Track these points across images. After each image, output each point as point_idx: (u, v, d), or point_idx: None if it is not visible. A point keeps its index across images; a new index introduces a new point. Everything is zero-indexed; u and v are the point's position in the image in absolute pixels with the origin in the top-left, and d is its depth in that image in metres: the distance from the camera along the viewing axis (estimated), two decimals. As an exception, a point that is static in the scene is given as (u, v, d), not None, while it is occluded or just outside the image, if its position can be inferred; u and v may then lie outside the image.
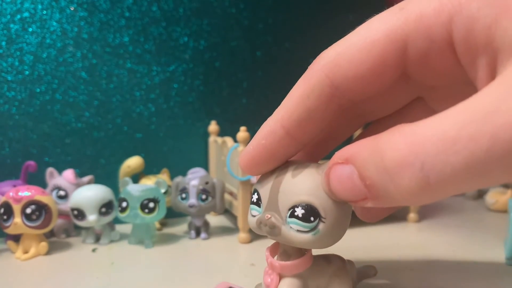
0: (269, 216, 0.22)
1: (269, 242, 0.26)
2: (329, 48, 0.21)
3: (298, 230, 0.21)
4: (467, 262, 0.35)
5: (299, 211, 0.21)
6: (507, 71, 0.16)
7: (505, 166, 0.15)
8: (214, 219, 0.51)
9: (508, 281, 0.30)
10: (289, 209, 0.22)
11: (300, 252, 0.24)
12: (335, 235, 0.22)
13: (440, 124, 0.15)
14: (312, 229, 0.21)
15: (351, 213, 0.23)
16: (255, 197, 0.24)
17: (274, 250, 0.25)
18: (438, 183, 0.15)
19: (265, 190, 0.23)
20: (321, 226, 0.21)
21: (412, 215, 0.49)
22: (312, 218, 0.21)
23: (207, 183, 0.43)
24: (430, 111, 0.23)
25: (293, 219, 0.21)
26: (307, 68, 0.22)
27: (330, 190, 0.20)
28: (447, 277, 0.32)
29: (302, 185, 0.22)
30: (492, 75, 0.17)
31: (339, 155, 0.19)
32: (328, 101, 0.21)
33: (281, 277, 0.24)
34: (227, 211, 0.50)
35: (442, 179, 0.15)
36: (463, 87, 0.20)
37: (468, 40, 0.17)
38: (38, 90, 0.49)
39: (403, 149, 0.16)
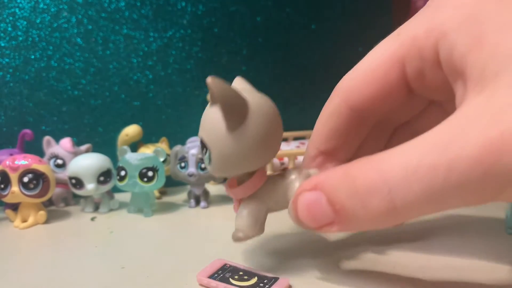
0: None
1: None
2: (346, 75, 0.25)
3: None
4: (467, 228, 0.35)
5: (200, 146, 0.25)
6: (466, 103, 0.18)
7: (460, 195, 0.16)
8: (213, 188, 0.51)
9: (508, 249, 0.30)
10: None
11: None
12: (230, 162, 0.23)
13: (404, 154, 0.18)
14: (208, 160, 0.24)
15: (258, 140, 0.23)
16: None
17: (232, 183, 0.26)
18: (403, 207, 0.17)
19: None
20: (212, 155, 0.23)
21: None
22: (204, 150, 0.24)
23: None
24: (447, 113, 0.25)
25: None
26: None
27: (297, 217, 0.22)
28: (446, 243, 0.32)
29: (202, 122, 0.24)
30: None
31: (307, 183, 0.21)
32: (348, 121, 0.25)
33: (241, 202, 0.26)
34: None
35: (406, 204, 0.17)
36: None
37: (450, 64, 0.19)
38: (32, 56, 0.48)
39: (373, 176, 0.18)
